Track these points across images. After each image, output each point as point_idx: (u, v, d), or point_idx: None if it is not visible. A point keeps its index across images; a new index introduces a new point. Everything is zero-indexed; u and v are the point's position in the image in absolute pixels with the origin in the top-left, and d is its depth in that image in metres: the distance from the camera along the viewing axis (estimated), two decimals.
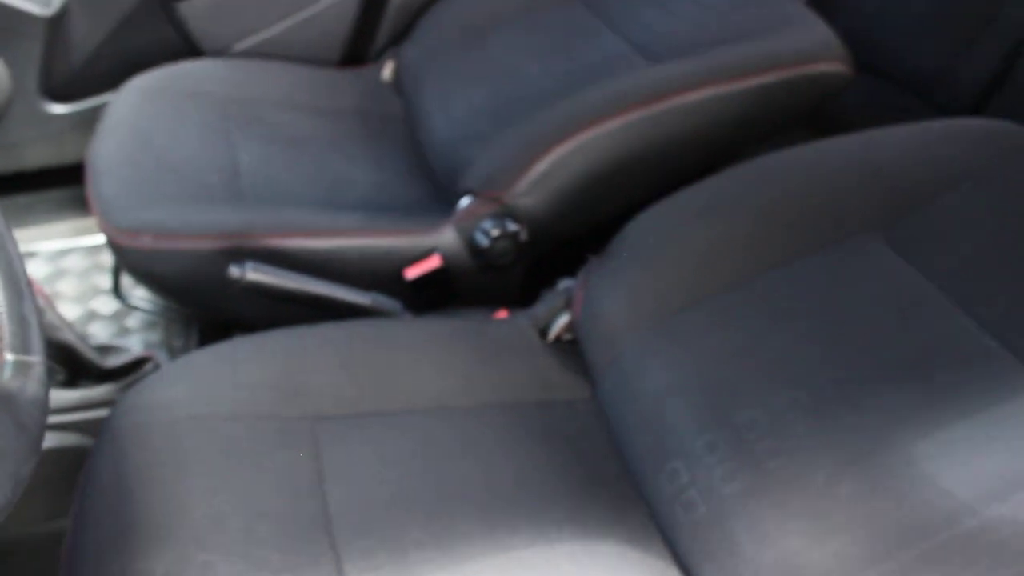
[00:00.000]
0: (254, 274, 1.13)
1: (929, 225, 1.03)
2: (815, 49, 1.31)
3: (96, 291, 1.52)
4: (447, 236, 1.24)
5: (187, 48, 1.68)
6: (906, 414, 0.87)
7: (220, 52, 1.68)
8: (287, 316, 1.14)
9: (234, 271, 1.13)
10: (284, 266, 1.17)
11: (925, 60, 1.65)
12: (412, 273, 1.22)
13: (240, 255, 1.17)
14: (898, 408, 0.87)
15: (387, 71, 1.68)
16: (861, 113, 1.58)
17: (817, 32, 1.34)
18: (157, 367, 1.13)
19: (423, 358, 1.03)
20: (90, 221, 1.68)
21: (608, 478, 0.97)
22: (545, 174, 1.23)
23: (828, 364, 0.93)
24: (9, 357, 0.57)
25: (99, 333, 1.44)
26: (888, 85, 1.69)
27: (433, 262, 1.22)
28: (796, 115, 1.35)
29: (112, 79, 1.66)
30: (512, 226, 1.23)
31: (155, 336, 1.42)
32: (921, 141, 1.11)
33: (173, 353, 1.38)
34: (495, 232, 1.22)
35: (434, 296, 1.26)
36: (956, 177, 1.07)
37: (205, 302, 1.24)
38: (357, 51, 1.76)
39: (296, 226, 1.21)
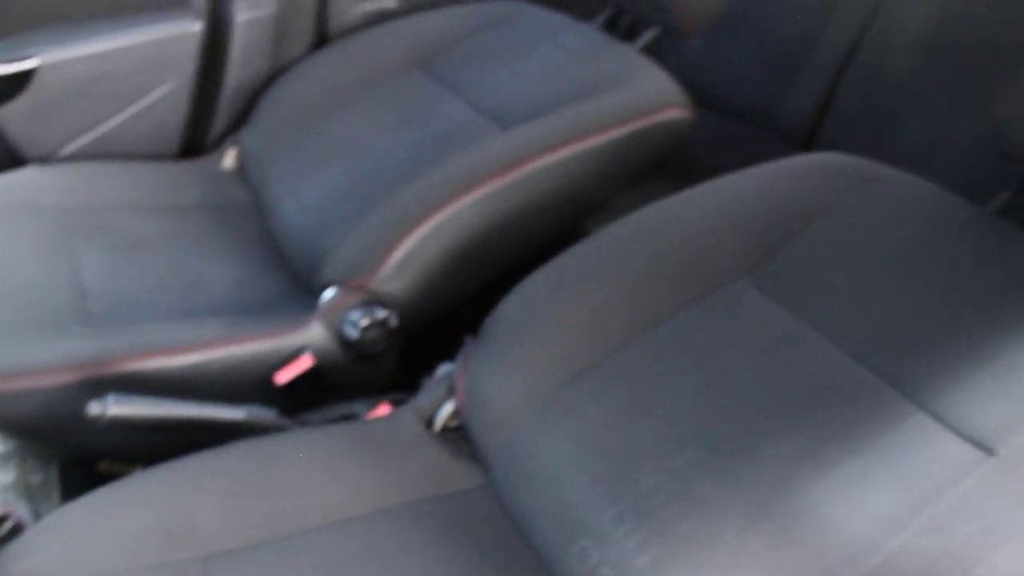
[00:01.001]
0: (117, 407, 1.05)
1: (791, 265, 1.05)
2: (659, 98, 1.34)
3: None
4: (315, 332, 1.19)
5: (8, 157, 1.57)
6: (800, 459, 0.87)
7: (46, 158, 1.58)
8: (158, 444, 1.07)
9: (94, 408, 1.05)
10: (148, 391, 1.10)
11: (757, 92, 1.72)
12: (283, 377, 1.17)
13: (99, 386, 1.09)
14: (792, 454, 0.88)
15: (229, 159, 1.62)
16: (711, 149, 1.63)
17: (659, 81, 1.36)
18: (18, 529, 1.03)
19: (308, 473, 0.97)
20: None
21: (518, 566, 0.94)
22: (408, 256, 1.20)
23: (720, 417, 0.93)
24: None
25: None
26: (729, 119, 1.75)
27: (304, 363, 1.17)
28: (650, 164, 1.37)
29: None
30: (381, 313, 1.19)
31: (8, 475, 1.31)
32: (774, 182, 1.14)
33: (32, 496, 1.27)
34: (364, 322, 1.18)
35: (311, 394, 1.21)
36: (810, 214, 1.10)
37: (65, 440, 1.15)
38: (195, 141, 1.69)
39: (154, 345, 1.14)
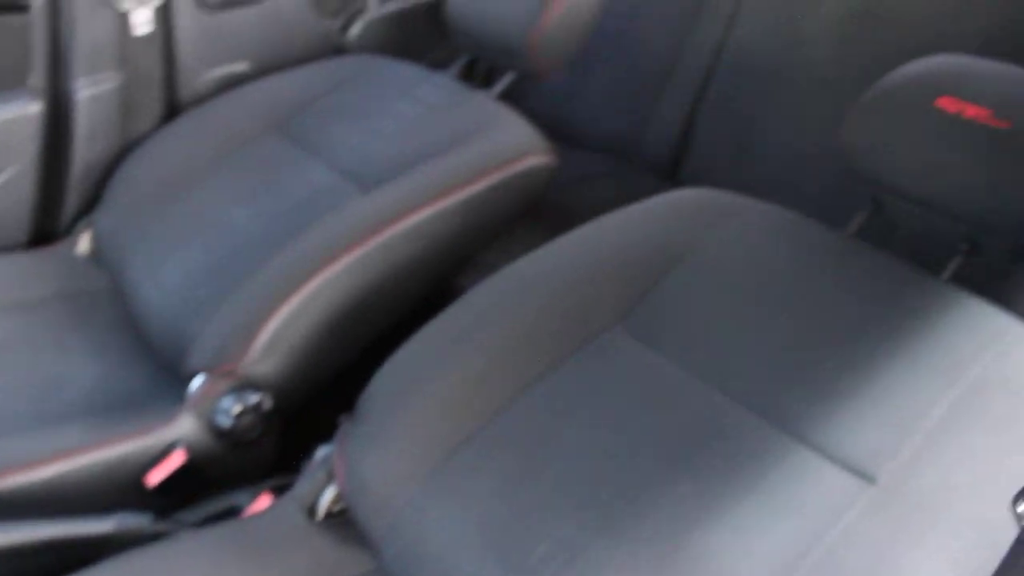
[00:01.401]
0: None
1: (661, 308, 1.05)
2: (519, 146, 1.33)
3: None
4: (186, 425, 1.13)
5: None
6: (689, 509, 0.87)
7: None
8: (22, 571, 0.99)
9: None
10: (4, 514, 1.02)
11: (619, 126, 1.74)
12: (155, 478, 1.10)
13: None
14: (680, 504, 0.87)
15: (83, 244, 1.54)
16: (578, 188, 1.63)
17: (518, 129, 1.36)
18: None
19: None
20: None
21: None
22: (277, 335, 1.16)
23: (607, 474, 0.91)
24: None
25: None
26: (594, 155, 1.75)
27: (176, 459, 1.11)
28: (516, 213, 1.36)
29: None
30: (253, 397, 1.15)
31: None
32: (639, 225, 1.14)
33: None
34: (236, 409, 1.13)
35: (187, 491, 1.15)
36: (675, 255, 1.10)
37: None
38: (45, 228, 1.60)
39: (7, 461, 1.06)
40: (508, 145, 1.33)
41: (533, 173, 1.33)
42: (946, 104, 1.04)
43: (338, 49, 1.85)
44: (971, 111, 1.02)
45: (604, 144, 1.76)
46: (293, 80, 1.64)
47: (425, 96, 1.47)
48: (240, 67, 1.74)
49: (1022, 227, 0.99)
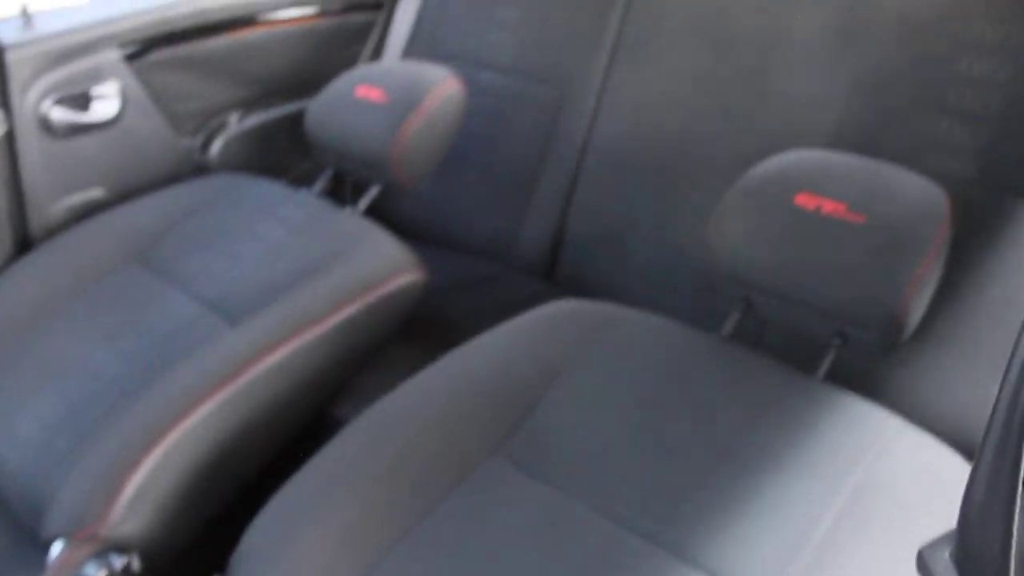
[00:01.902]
0: None
1: (542, 432, 1.03)
2: (388, 266, 1.31)
3: None
4: None
5: None
6: None
7: None
8: None
9: None
10: None
11: (493, 228, 1.74)
12: None
13: None
14: None
15: None
16: (454, 294, 1.61)
17: (386, 248, 1.34)
18: None
19: None
20: None
21: None
22: (141, 490, 1.09)
23: None
24: None
25: None
26: (470, 258, 1.75)
27: None
28: (390, 333, 1.33)
29: None
30: (119, 561, 1.06)
31: None
32: (513, 345, 1.12)
33: None
34: (101, 575, 1.05)
35: None
36: (552, 373, 1.08)
37: None
38: None
39: None
40: (376, 266, 1.30)
41: (404, 292, 1.31)
42: (804, 201, 1.06)
43: (199, 168, 1.81)
44: (828, 206, 1.05)
45: (479, 245, 1.76)
46: (151, 206, 1.58)
47: (288, 216, 1.44)
48: (95, 194, 1.68)
49: (888, 319, 1.01)
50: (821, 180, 1.08)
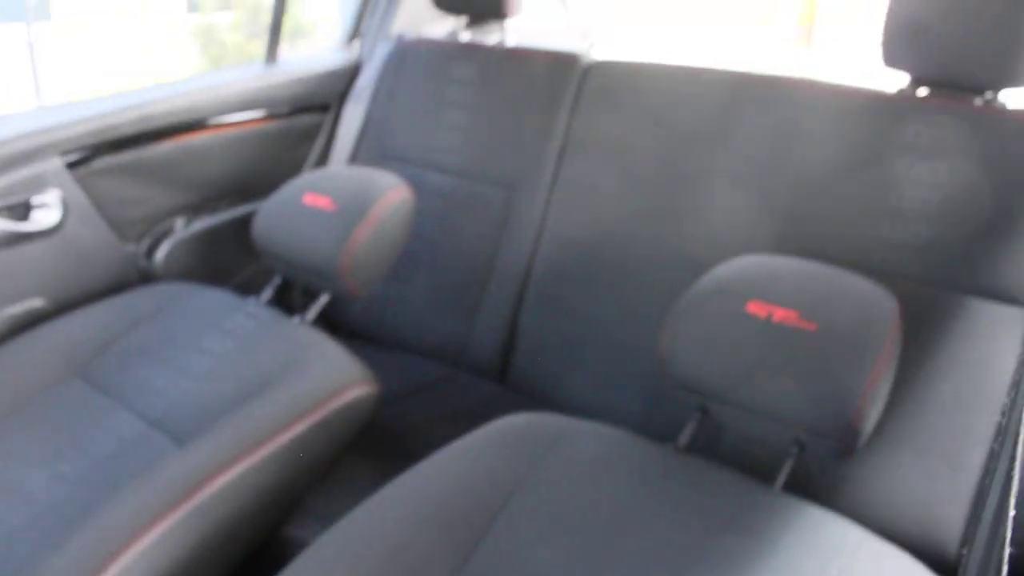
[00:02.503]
0: None
1: (495, 556, 0.99)
2: (338, 380, 1.28)
3: None
4: None
5: None
6: None
7: None
8: None
9: None
10: None
11: (444, 330, 1.72)
12: None
13: None
14: None
15: None
16: (406, 399, 1.58)
17: (336, 361, 1.31)
18: None
19: None
20: None
21: None
22: None
23: None
24: None
25: None
26: (422, 360, 1.72)
27: None
28: (343, 448, 1.30)
29: None
30: None
31: None
32: (467, 464, 1.10)
33: None
34: None
35: None
36: (505, 494, 1.05)
37: None
38: None
39: None
40: (327, 379, 1.28)
41: (356, 405, 1.28)
42: (756, 308, 1.07)
43: (144, 275, 1.77)
44: (779, 314, 1.05)
45: (430, 348, 1.74)
46: (93, 317, 1.54)
47: (236, 327, 1.41)
48: (35, 304, 1.63)
49: (844, 427, 1.01)
50: (772, 287, 1.09)
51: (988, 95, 1.30)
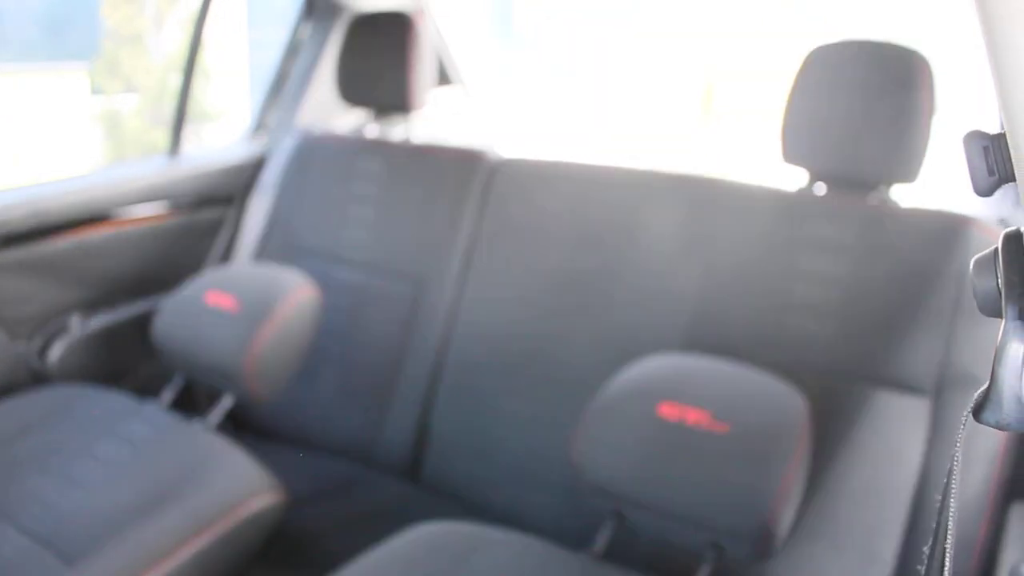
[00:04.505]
0: None
1: None
2: (242, 489, 1.23)
3: None
4: None
5: None
6: None
7: None
8: None
9: None
10: None
11: (354, 428, 1.68)
12: None
13: None
14: None
15: None
16: (315, 503, 1.52)
17: (239, 469, 1.26)
18: None
19: None
20: None
21: None
22: None
23: None
24: None
25: None
26: (332, 459, 1.67)
27: None
28: (248, 560, 1.24)
29: None
30: None
31: None
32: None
33: None
34: None
35: None
36: None
37: None
38: None
39: None
40: (230, 489, 1.22)
41: (261, 516, 1.23)
42: (668, 411, 1.07)
43: (35, 375, 1.69)
44: (692, 416, 1.06)
45: (340, 446, 1.69)
46: None
47: (132, 433, 1.35)
48: None
49: (760, 530, 1.00)
50: (683, 388, 1.09)
51: (882, 191, 1.35)
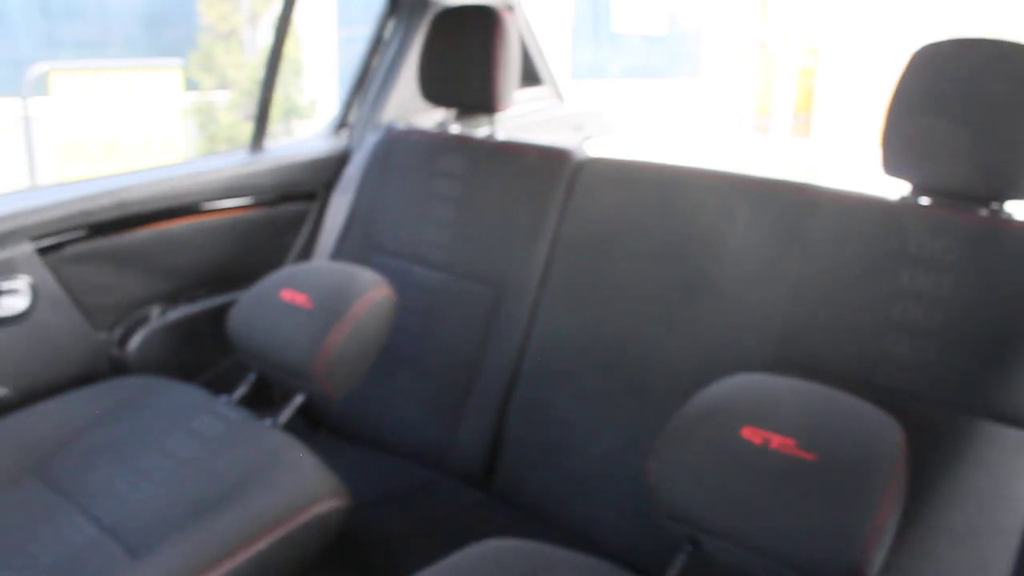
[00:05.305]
0: None
1: None
2: (307, 493, 1.20)
3: None
4: None
5: None
6: None
7: None
8: None
9: None
10: None
11: (426, 432, 1.64)
12: None
13: None
14: None
15: None
16: (382, 508, 1.49)
17: (306, 471, 1.23)
18: None
19: None
20: None
21: None
22: None
23: None
24: None
25: None
26: (403, 463, 1.64)
27: None
28: (309, 564, 1.22)
29: None
30: None
31: None
32: None
33: None
34: None
35: None
36: None
37: None
38: None
39: None
40: (295, 492, 1.20)
41: (324, 520, 1.20)
42: (750, 434, 1.00)
43: (115, 365, 1.70)
44: (776, 440, 0.98)
45: (412, 449, 1.65)
46: (58, 409, 1.47)
47: (203, 428, 1.34)
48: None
49: (848, 569, 0.93)
50: (768, 411, 1.02)
51: (994, 206, 1.25)
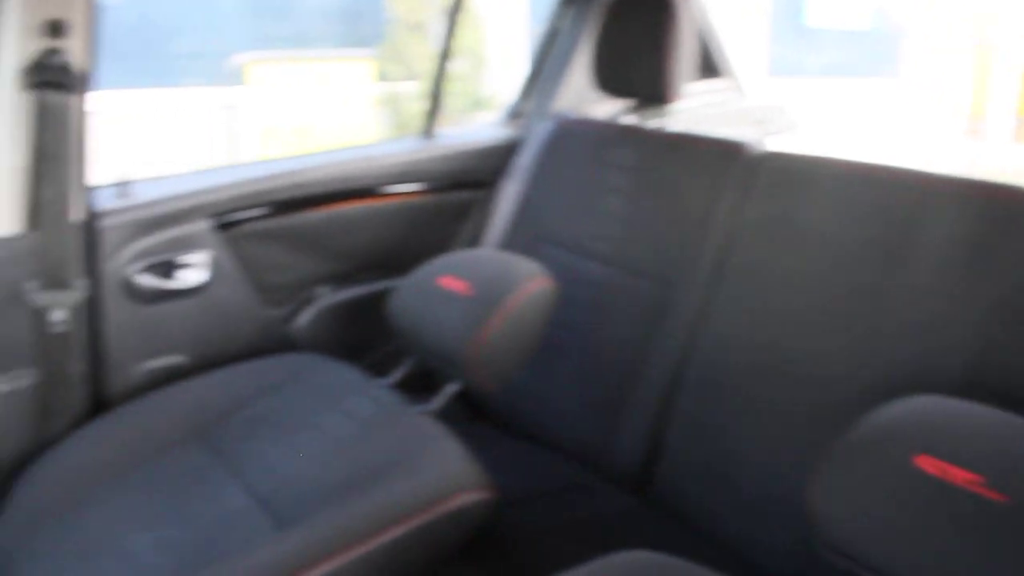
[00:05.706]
0: None
1: None
2: (452, 482, 1.19)
3: None
4: None
5: None
6: None
7: None
8: None
9: None
10: None
11: (584, 429, 1.59)
12: None
13: None
14: None
15: None
16: (530, 505, 1.45)
17: (451, 461, 1.22)
18: None
19: None
20: None
21: None
22: None
23: None
24: None
25: None
26: (556, 459, 1.60)
27: None
28: (448, 555, 1.20)
29: None
30: None
31: None
32: None
33: None
34: None
35: None
36: None
37: None
38: None
39: None
40: (438, 481, 1.19)
41: (466, 512, 1.18)
42: (926, 464, 0.89)
43: (283, 340, 1.76)
44: (959, 475, 0.87)
45: (569, 446, 1.61)
46: (226, 379, 1.53)
47: (356, 409, 1.35)
48: (176, 360, 1.64)
49: None
50: (950, 441, 0.90)
51: None
